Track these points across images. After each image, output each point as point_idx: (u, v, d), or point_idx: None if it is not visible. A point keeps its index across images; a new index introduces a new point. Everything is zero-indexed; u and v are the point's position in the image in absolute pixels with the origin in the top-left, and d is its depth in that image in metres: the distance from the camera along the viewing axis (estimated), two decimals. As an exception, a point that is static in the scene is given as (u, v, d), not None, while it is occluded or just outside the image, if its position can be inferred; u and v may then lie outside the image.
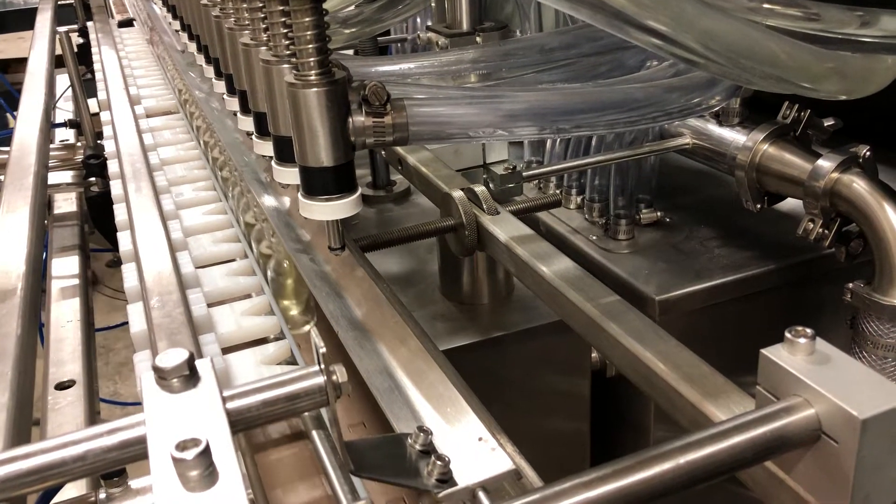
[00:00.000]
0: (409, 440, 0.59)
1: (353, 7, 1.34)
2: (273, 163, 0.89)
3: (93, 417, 1.14)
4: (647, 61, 1.13)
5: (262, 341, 0.97)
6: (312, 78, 0.76)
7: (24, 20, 4.88)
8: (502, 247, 0.93)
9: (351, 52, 1.61)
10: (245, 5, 0.99)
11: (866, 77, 0.84)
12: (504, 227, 0.95)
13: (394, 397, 0.68)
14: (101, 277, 3.79)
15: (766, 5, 0.80)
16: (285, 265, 1.00)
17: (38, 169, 1.37)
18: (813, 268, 1.18)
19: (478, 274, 1.22)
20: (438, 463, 0.56)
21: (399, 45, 1.87)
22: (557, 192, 1.43)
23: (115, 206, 1.27)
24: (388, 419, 0.66)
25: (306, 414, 0.80)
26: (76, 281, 1.53)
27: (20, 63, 4.12)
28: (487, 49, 1.22)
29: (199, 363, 0.53)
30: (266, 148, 0.97)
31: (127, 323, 0.93)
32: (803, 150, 1.04)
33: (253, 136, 1.02)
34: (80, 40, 2.87)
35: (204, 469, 0.44)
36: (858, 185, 0.94)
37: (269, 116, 0.86)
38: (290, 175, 0.86)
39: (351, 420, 0.85)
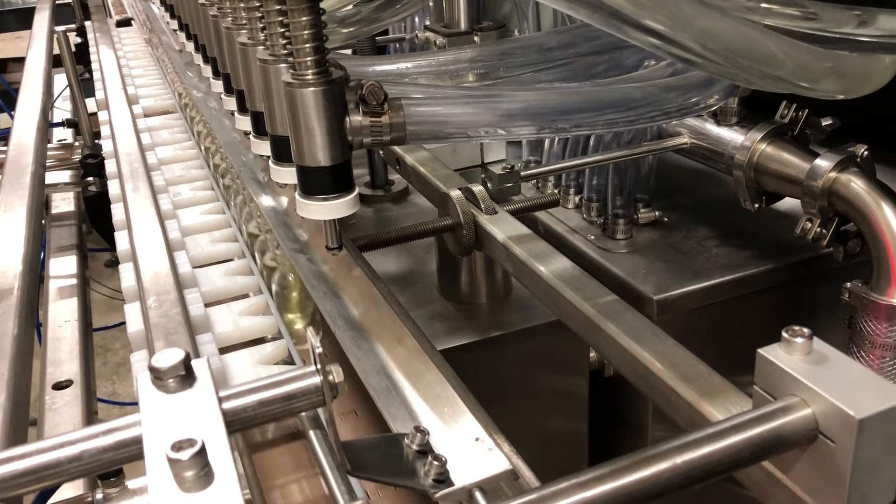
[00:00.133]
0: (406, 440, 0.59)
1: (350, 6, 1.34)
2: (270, 162, 0.89)
3: (90, 417, 1.14)
4: (645, 61, 1.13)
5: (259, 341, 0.97)
6: (309, 77, 0.76)
7: (21, 20, 4.88)
8: (500, 246, 0.93)
9: (349, 51, 1.61)
10: (242, 4, 0.99)
11: (864, 76, 0.84)
12: (502, 227, 0.95)
13: (391, 397, 0.68)
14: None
15: (763, 5, 0.80)
16: (290, 278, 0.99)
17: (36, 168, 1.37)
18: (811, 267, 1.18)
19: (476, 273, 1.21)
20: (435, 463, 0.56)
21: (397, 44, 1.87)
22: (555, 191, 1.43)
23: (112, 206, 1.27)
24: (385, 419, 0.65)
25: (303, 414, 0.80)
26: (74, 281, 1.53)
27: (18, 63, 4.12)
28: (485, 48, 1.22)
29: (195, 363, 0.53)
30: (263, 147, 0.97)
31: (125, 323, 0.93)
32: (801, 149, 1.04)
33: (250, 136, 1.02)
34: (78, 40, 2.87)
35: (199, 469, 0.43)
36: (856, 184, 0.94)
37: (267, 116, 0.86)
38: (287, 174, 0.86)
39: (343, 409, 0.84)
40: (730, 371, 0.65)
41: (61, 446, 0.48)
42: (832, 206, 0.97)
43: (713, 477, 0.50)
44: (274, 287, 1.02)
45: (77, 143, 2.13)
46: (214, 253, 1.16)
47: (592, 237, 1.30)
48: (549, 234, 1.34)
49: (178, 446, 0.44)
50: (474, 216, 0.99)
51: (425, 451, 0.58)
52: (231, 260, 1.14)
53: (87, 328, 1.39)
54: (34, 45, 2.30)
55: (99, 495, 0.65)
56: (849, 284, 0.95)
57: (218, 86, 1.20)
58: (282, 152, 0.85)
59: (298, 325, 1.00)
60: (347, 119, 0.78)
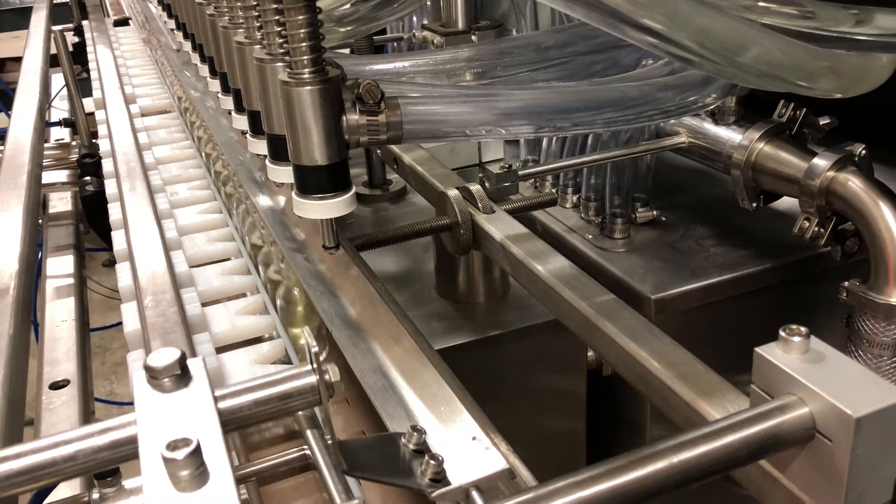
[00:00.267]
0: (403, 439, 0.59)
1: (348, 5, 1.34)
2: (267, 161, 0.89)
3: (87, 417, 1.13)
4: (643, 60, 1.13)
5: (256, 340, 0.97)
6: (306, 76, 0.75)
7: (19, 19, 4.88)
8: (498, 245, 0.93)
9: (347, 50, 1.61)
10: (239, 3, 0.99)
11: (861, 75, 0.84)
12: (499, 226, 0.95)
13: (387, 396, 0.68)
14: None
15: (761, 3, 0.80)
16: (295, 293, 0.98)
17: (32, 168, 1.36)
18: (809, 266, 1.18)
19: (473, 273, 1.21)
20: (432, 462, 0.56)
21: (395, 43, 1.86)
22: (553, 190, 1.43)
23: (109, 206, 1.26)
24: (382, 418, 0.65)
25: (300, 413, 0.80)
26: (71, 280, 1.53)
27: (15, 62, 4.11)
28: (483, 47, 1.22)
29: (190, 362, 0.53)
30: (260, 146, 0.97)
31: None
32: (799, 148, 1.04)
33: (247, 135, 1.02)
34: (76, 39, 2.86)
35: (195, 469, 0.43)
36: (854, 183, 0.94)
37: (263, 115, 0.86)
38: (284, 173, 0.86)
39: (335, 398, 0.84)
40: (727, 370, 0.65)
41: (56, 446, 0.48)
42: (830, 205, 0.97)
43: (710, 476, 0.49)
44: (279, 302, 1.01)
45: (74, 143, 2.13)
46: (211, 252, 1.16)
47: (590, 236, 1.30)
48: (546, 234, 1.34)
49: (173, 445, 0.44)
50: (472, 215, 0.99)
51: (422, 450, 0.58)
52: (228, 259, 1.14)
53: (84, 328, 1.38)
54: (31, 44, 2.30)
55: (95, 495, 0.65)
56: (846, 283, 0.95)
57: (215, 85, 1.20)
58: (278, 151, 0.85)
59: (304, 341, 0.99)
60: (344, 118, 0.78)
